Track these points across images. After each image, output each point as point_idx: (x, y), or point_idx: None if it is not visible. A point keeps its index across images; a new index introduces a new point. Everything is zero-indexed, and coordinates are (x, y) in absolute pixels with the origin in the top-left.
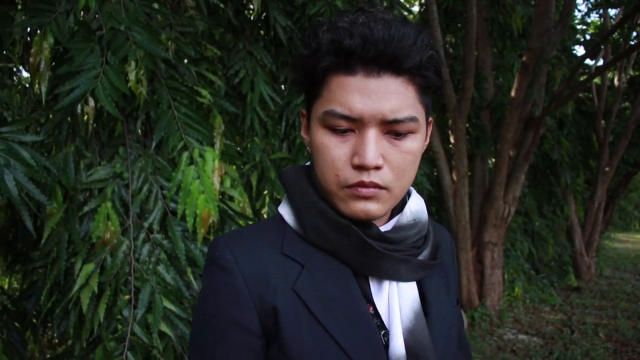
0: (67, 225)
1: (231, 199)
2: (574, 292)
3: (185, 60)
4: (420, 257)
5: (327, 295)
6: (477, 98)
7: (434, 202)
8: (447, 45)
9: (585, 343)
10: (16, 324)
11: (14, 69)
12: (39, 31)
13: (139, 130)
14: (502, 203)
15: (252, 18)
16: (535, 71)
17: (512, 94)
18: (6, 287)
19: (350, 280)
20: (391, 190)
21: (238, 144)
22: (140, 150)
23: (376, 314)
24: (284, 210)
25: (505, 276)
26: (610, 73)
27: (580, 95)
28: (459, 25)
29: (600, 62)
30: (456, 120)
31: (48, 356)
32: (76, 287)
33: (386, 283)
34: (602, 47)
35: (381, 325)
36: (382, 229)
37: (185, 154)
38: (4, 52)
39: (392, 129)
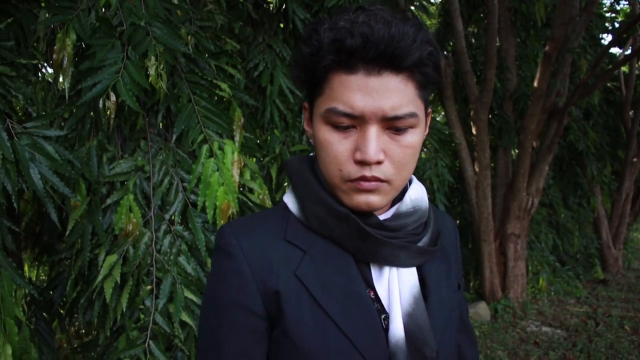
0: (91, 217)
1: (251, 190)
2: (601, 284)
3: (207, 55)
4: (420, 244)
5: (328, 280)
6: (499, 89)
7: (456, 193)
8: (470, 36)
9: (610, 336)
10: (44, 314)
11: (39, 66)
12: (61, 28)
13: (160, 124)
14: (525, 194)
15: (271, 11)
16: (559, 61)
17: (535, 84)
18: (34, 278)
19: (350, 266)
20: (392, 183)
21: (258, 136)
22: (161, 144)
23: (377, 298)
24: (288, 199)
25: (530, 268)
26: (639, 61)
27: (608, 84)
28: (481, 15)
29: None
30: (478, 112)
31: (75, 345)
32: (100, 278)
33: (386, 269)
34: (630, 35)
35: (381, 310)
36: (382, 217)
37: (205, 147)
38: (29, 49)
39: (393, 125)
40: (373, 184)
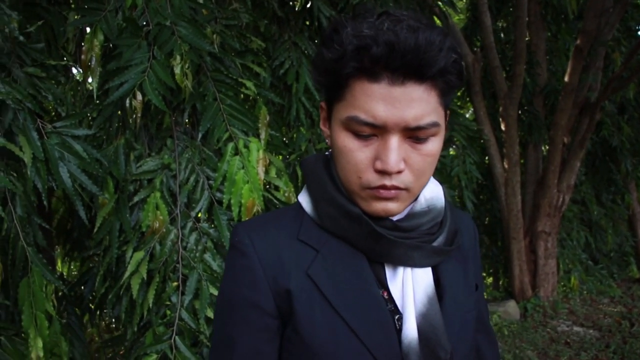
0: (118, 214)
1: (277, 188)
2: (636, 283)
3: (232, 53)
4: (435, 244)
5: (340, 279)
6: (529, 84)
7: (485, 190)
8: (498, 31)
9: None
10: (76, 309)
11: (68, 66)
12: (89, 29)
13: (186, 123)
14: (556, 191)
15: (296, 9)
16: (591, 54)
17: (566, 79)
18: (66, 273)
19: (363, 266)
20: (411, 190)
21: (284, 134)
22: (187, 142)
23: (390, 299)
24: (303, 199)
25: (561, 266)
26: None
27: None
28: (510, 9)
29: None
30: (507, 107)
31: (105, 339)
32: (127, 274)
33: (401, 269)
34: None
35: (395, 310)
36: (396, 217)
37: (231, 145)
38: (59, 50)
39: (414, 134)
40: (392, 192)
